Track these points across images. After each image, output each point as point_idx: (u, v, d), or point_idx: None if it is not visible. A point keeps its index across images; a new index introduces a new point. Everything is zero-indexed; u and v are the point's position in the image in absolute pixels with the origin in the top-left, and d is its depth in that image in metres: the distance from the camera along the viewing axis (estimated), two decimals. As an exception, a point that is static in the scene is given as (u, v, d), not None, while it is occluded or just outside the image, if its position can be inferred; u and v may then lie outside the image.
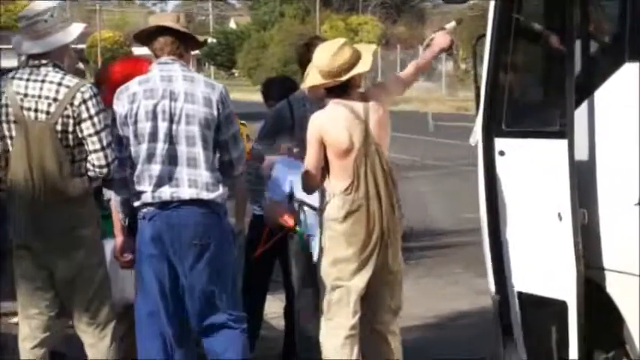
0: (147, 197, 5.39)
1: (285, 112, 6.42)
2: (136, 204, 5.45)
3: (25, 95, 5.28)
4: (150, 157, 5.38)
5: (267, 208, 6.29)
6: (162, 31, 5.46)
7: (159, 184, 5.37)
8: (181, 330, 5.50)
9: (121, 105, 5.42)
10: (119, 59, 5.91)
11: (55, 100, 5.25)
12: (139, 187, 5.42)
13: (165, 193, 5.37)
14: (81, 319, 5.44)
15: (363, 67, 5.62)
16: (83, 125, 5.27)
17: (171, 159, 5.38)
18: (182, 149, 5.38)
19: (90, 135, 5.28)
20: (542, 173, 5.34)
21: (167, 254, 5.40)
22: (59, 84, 5.27)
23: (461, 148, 20.60)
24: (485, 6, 5.75)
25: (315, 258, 5.87)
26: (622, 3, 5.24)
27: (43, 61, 5.33)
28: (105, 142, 5.31)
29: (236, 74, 69.95)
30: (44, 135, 5.24)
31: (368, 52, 5.73)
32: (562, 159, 5.10)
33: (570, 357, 5.25)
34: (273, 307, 7.61)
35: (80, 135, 5.28)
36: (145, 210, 5.42)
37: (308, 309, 6.09)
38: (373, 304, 5.74)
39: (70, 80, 5.30)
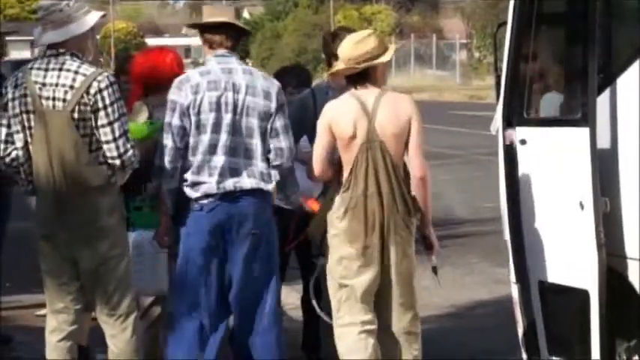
0: (209, 188, 5.46)
1: (308, 101, 6.41)
2: (195, 195, 5.49)
3: (44, 84, 5.27)
4: (212, 148, 5.46)
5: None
6: (221, 25, 5.61)
7: (222, 174, 5.46)
8: (218, 322, 5.58)
9: (183, 95, 5.49)
10: (143, 50, 5.90)
11: (71, 87, 5.23)
12: (198, 178, 5.48)
13: (229, 183, 5.47)
14: (103, 310, 5.44)
15: (383, 58, 5.58)
16: (97, 115, 5.26)
17: (232, 150, 5.48)
18: (241, 140, 5.49)
19: (103, 125, 5.26)
20: (564, 161, 5.31)
21: (222, 245, 5.49)
22: (76, 72, 5.26)
23: (475, 136, 20.66)
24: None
25: None
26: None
27: (61, 50, 5.32)
28: (117, 133, 5.28)
29: (249, 64, 69.73)
30: (62, 123, 5.23)
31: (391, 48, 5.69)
32: (584, 147, 5.07)
33: (592, 346, 5.22)
34: (290, 299, 7.59)
35: (94, 124, 5.27)
36: (204, 201, 5.48)
37: None
38: (383, 303, 5.66)
39: (87, 69, 5.29)
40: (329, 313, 5.80)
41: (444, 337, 7.30)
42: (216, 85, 5.50)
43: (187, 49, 71.23)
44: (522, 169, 5.66)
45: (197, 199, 5.49)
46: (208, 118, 5.47)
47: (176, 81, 5.56)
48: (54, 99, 5.25)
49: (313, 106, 6.33)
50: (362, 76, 5.57)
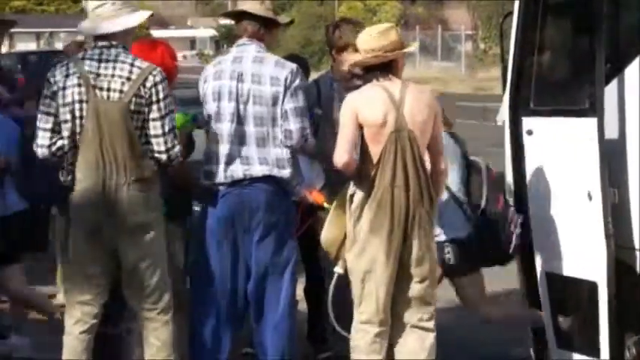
0: (217, 176, 5.52)
1: (312, 89, 6.41)
2: (206, 183, 5.55)
3: (98, 75, 5.29)
4: (217, 137, 5.52)
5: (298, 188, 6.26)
6: (243, 13, 5.64)
7: (229, 162, 5.50)
8: (235, 311, 5.62)
9: (200, 86, 5.63)
10: (137, 41, 5.85)
11: (128, 79, 5.27)
12: (208, 167, 5.55)
13: (237, 171, 5.50)
14: (144, 305, 5.40)
15: (410, 48, 5.60)
16: (150, 108, 5.28)
17: (240, 138, 5.50)
18: (250, 129, 5.50)
19: (154, 119, 5.29)
20: (572, 152, 5.28)
21: (235, 232, 5.52)
22: (132, 64, 5.30)
23: (481, 128, 20.63)
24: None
25: None
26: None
27: (114, 43, 5.34)
28: (167, 128, 5.30)
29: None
30: (118, 114, 5.24)
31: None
32: (592, 137, 5.03)
33: (600, 337, 5.20)
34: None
35: (145, 118, 5.28)
36: (214, 189, 5.52)
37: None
38: (400, 297, 5.58)
39: (142, 62, 5.35)
40: (346, 326, 5.74)
41: (452, 329, 7.28)
42: (221, 74, 5.55)
43: (192, 41, 71.33)
44: (529, 160, 5.63)
45: (207, 188, 5.55)
46: (212, 107, 5.54)
47: (202, 71, 5.69)
48: (109, 89, 5.26)
49: (317, 97, 6.31)
50: (385, 67, 5.54)
